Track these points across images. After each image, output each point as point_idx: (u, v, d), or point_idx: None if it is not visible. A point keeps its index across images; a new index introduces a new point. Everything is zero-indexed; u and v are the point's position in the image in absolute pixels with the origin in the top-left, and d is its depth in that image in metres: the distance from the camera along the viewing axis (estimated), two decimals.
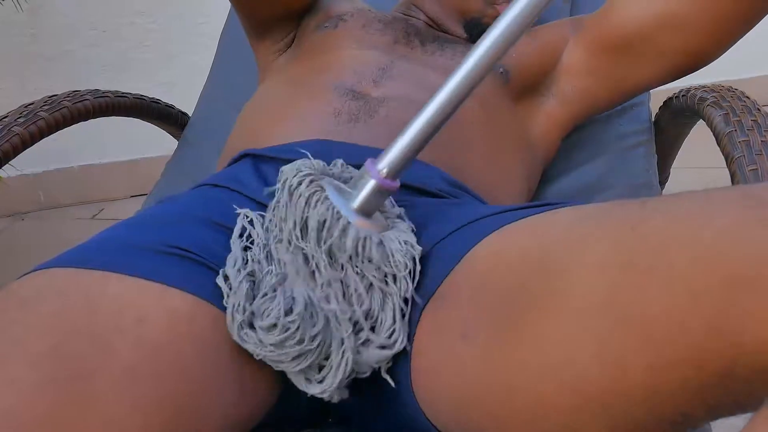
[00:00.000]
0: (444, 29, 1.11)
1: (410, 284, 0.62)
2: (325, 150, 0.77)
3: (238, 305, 0.61)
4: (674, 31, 0.95)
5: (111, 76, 2.28)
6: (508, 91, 1.04)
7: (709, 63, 0.99)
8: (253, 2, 1.06)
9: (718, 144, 0.83)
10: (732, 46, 0.97)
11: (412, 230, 0.68)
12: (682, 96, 1.03)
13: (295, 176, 0.63)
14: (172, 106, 1.32)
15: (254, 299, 0.62)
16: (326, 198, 0.61)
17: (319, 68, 0.98)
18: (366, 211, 0.63)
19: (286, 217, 0.62)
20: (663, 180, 1.34)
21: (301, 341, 0.59)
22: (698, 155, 1.45)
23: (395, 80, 0.94)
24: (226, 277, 0.64)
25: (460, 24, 1.10)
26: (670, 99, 1.13)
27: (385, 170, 0.62)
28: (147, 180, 1.44)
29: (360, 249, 0.61)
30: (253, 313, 0.61)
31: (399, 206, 0.71)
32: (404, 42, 1.03)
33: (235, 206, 0.71)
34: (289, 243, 0.62)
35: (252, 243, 0.67)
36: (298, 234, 0.61)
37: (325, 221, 0.60)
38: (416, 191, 0.80)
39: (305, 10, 1.10)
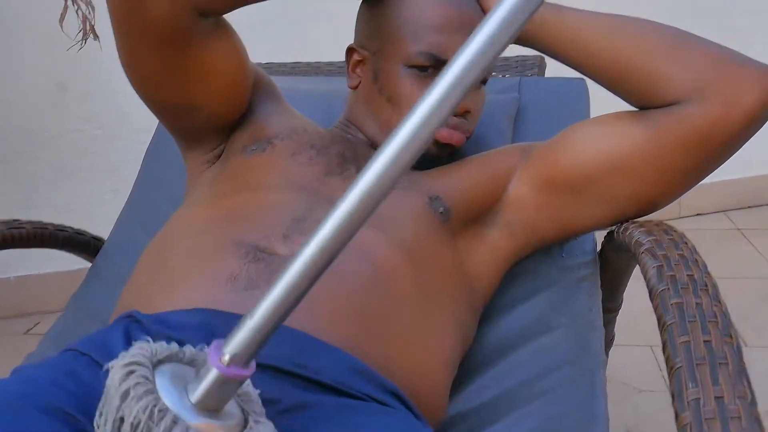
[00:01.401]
0: None
1: None
2: (209, 322, 0.70)
3: None
4: (622, 179, 0.93)
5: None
6: (448, 231, 0.97)
7: (658, 209, 0.97)
8: (176, 117, 1.01)
9: (651, 301, 0.75)
10: (682, 195, 0.95)
11: None
12: (621, 232, 0.95)
13: (121, 365, 0.53)
14: (82, 233, 1.23)
15: None
16: (150, 392, 0.51)
17: (228, 213, 0.89)
18: (209, 406, 0.52)
19: (105, 414, 0.52)
20: (615, 308, 1.26)
21: None
22: None
23: (309, 235, 0.85)
24: None
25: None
26: (611, 233, 1.05)
27: (227, 356, 0.51)
28: None
29: None
30: None
31: (274, 400, 0.60)
32: (338, 172, 0.97)
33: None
34: None
35: None
36: None
37: (139, 422, 0.49)
38: (309, 382, 0.70)
39: (236, 124, 1.03)
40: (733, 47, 0.89)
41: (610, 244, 1.09)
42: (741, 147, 0.89)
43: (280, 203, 0.89)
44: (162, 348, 0.56)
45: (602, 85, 0.96)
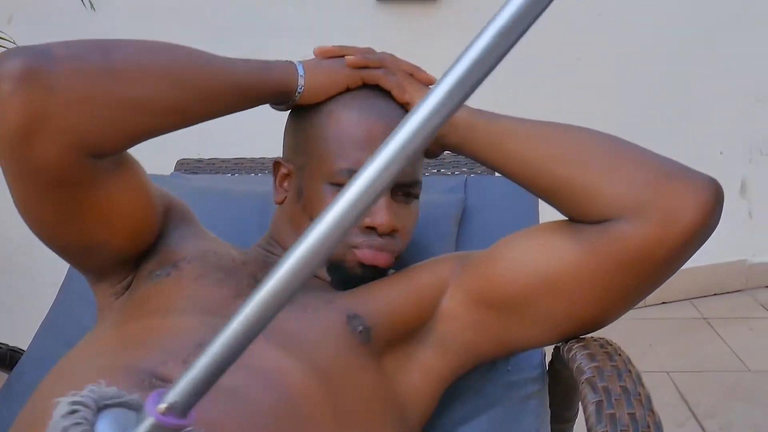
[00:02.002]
0: None
1: None
2: None
3: None
4: (557, 299, 0.87)
5: None
6: (369, 351, 0.90)
7: (601, 327, 0.90)
8: (79, 257, 0.94)
9: None
10: (622, 314, 0.89)
11: None
12: (565, 351, 0.89)
13: (66, 403, 0.54)
14: None
15: None
16: None
17: (125, 339, 0.84)
18: None
19: None
20: (570, 417, 1.19)
21: None
22: None
23: None
24: None
25: (323, 266, 0.97)
26: (558, 347, 0.98)
27: (164, 405, 0.50)
28: None
29: None
30: None
31: None
32: (247, 294, 0.89)
33: None
34: None
35: None
36: None
37: None
38: None
39: (144, 254, 0.96)
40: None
41: (558, 358, 1.02)
42: (682, 264, 0.83)
43: (182, 328, 0.83)
44: (111, 392, 0.57)
45: (535, 195, 0.92)
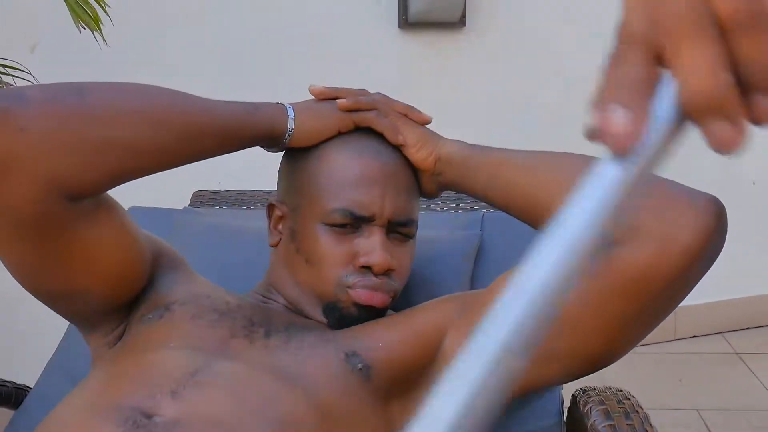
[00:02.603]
0: (304, 314, 0.96)
1: None
2: None
3: None
4: (559, 332, 0.80)
5: None
6: (372, 391, 0.87)
7: (608, 364, 0.85)
8: (67, 304, 0.92)
9: None
10: (630, 349, 0.83)
11: None
12: (581, 404, 0.85)
13: None
14: (3, 384, 1.13)
15: None
16: None
17: (112, 377, 0.82)
18: None
19: None
20: None
21: None
22: None
23: (203, 389, 0.77)
24: None
25: (319, 308, 0.95)
26: (575, 396, 0.94)
27: None
28: None
29: None
30: None
31: None
32: (243, 335, 0.88)
33: None
34: None
35: None
36: None
37: None
38: None
39: (135, 301, 0.94)
40: None
41: (575, 407, 0.98)
42: (686, 289, 0.78)
43: (173, 361, 0.81)
44: None
45: (534, 226, 0.89)
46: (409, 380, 0.90)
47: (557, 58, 2.50)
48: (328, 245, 0.92)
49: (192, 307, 0.91)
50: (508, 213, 0.92)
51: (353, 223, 0.92)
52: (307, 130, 0.94)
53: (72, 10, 1.30)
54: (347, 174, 0.93)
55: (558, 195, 0.81)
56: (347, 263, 0.92)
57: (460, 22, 2.40)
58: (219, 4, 2.29)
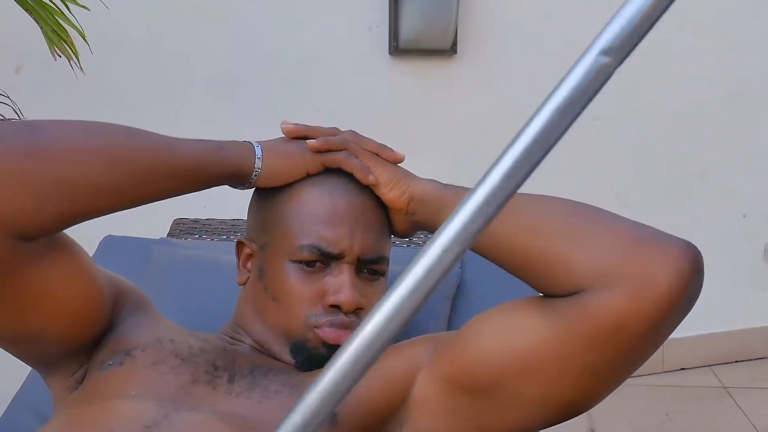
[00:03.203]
0: (271, 354, 0.94)
1: None
2: None
3: None
4: (531, 381, 0.80)
5: None
6: None
7: (580, 413, 0.83)
8: (22, 347, 0.89)
9: None
10: (605, 395, 0.81)
11: None
12: None
13: None
14: None
15: None
16: None
17: (75, 429, 0.79)
18: None
19: None
20: None
21: None
22: None
23: None
24: None
25: (286, 348, 0.94)
26: None
27: None
28: None
29: None
30: None
31: None
32: (206, 380, 0.87)
33: None
34: None
35: None
36: None
37: None
38: None
39: (95, 344, 0.91)
40: None
41: None
42: (662, 338, 0.76)
43: (129, 410, 0.79)
44: None
45: (507, 270, 0.86)
46: (376, 425, 0.88)
47: (549, 87, 2.49)
48: (296, 283, 0.91)
49: (153, 353, 0.89)
50: (481, 255, 0.89)
51: (322, 261, 0.91)
52: (275, 171, 0.93)
53: (47, 37, 1.28)
54: (316, 211, 0.92)
55: (532, 241, 0.81)
56: (315, 302, 0.91)
57: (451, 50, 2.39)
58: (209, 28, 2.28)
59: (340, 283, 0.91)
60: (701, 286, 0.74)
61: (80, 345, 0.90)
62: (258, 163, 0.92)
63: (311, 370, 0.91)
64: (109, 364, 0.88)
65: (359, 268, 0.93)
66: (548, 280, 0.80)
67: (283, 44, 2.32)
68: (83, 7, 1.35)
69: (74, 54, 1.33)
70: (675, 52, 2.50)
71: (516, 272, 0.84)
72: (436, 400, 0.87)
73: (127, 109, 2.01)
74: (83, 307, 0.88)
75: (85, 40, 1.38)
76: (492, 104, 2.47)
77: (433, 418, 0.87)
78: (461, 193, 0.91)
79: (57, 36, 1.27)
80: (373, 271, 0.95)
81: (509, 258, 0.84)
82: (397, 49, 2.34)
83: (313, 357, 0.91)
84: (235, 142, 0.93)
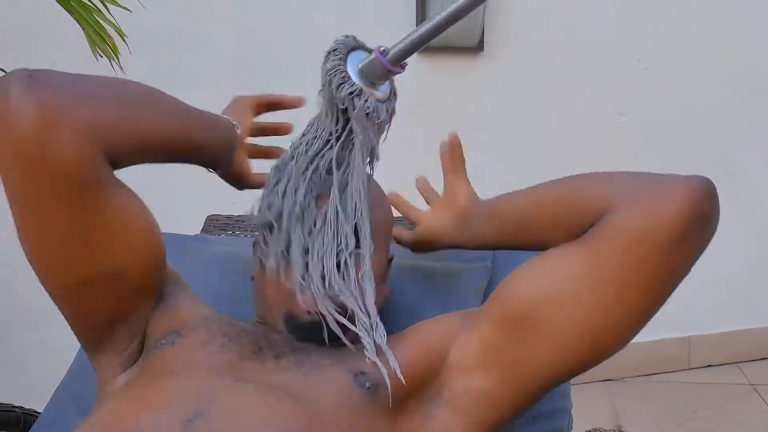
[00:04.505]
0: (275, 330, 0.97)
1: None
2: None
3: None
4: (569, 310, 0.84)
5: None
6: (380, 407, 0.87)
7: (614, 349, 0.85)
8: (91, 298, 0.90)
9: None
10: (634, 330, 0.84)
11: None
12: None
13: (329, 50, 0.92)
14: (11, 409, 1.14)
15: None
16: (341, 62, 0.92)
17: (127, 409, 0.81)
18: (370, 79, 0.91)
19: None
20: None
21: None
22: None
23: (217, 421, 0.77)
24: None
25: (280, 322, 0.96)
26: None
27: (382, 48, 0.89)
28: None
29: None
30: None
31: None
32: (253, 357, 0.89)
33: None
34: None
35: None
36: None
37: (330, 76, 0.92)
38: None
39: (155, 300, 0.96)
40: None
41: None
42: (689, 258, 0.80)
43: (182, 390, 0.82)
44: (355, 41, 0.94)
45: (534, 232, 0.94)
46: (417, 396, 0.91)
47: (576, 82, 2.50)
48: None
49: (203, 332, 0.92)
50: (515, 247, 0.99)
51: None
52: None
53: (90, 39, 1.32)
54: None
55: (564, 194, 0.90)
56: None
57: (478, 47, 2.41)
58: (239, 26, 2.31)
59: None
60: (718, 212, 0.81)
61: (150, 292, 0.95)
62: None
63: (308, 340, 0.93)
64: (162, 344, 0.91)
65: None
66: (578, 219, 0.86)
67: (312, 43, 2.33)
68: (125, 8, 1.39)
69: (115, 54, 1.37)
70: (699, 47, 2.50)
71: (545, 231, 0.91)
72: (470, 357, 0.90)
73: None
74: (156, 247, 0.94)
75: (124, 40, 1.41)
76: (518, 101, 2.48)
77: (468, 379, 0.90)
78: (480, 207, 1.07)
79: (99, 37, 1.30)
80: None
81: (540, 216, 0.93)
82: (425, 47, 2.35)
83: (301, 325, 0.93)
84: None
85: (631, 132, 2.53)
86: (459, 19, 0.85)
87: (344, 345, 0.91)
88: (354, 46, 0.93)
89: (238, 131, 1.07)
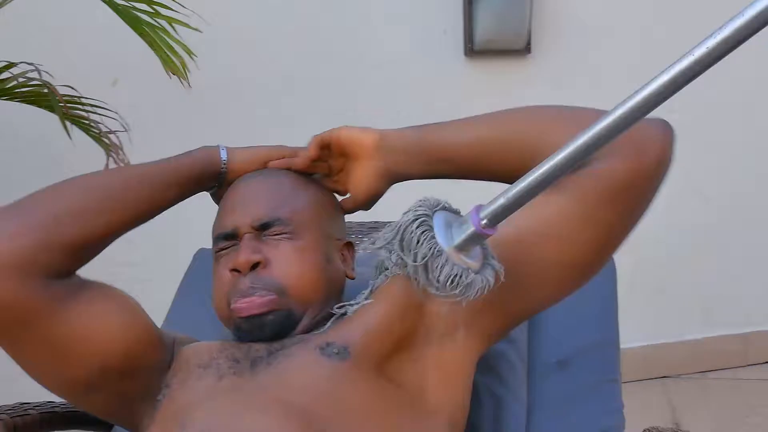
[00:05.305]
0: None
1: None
2: None
3: None
4: (553, 243, 0.92)
5: None
6: (354, 364, 0.90)
7: (593, 273, 0.95)
8: (95, 393, 0.93)
9: None
10: (610, 255, 0.95)
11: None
12: None
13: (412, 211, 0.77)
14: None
15: None
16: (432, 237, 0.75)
17: None
18: (462, 248, 0.76)
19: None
20: None
21: None
22: None
23: None
24: None
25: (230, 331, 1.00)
26: None
27: (484, 221, 0.73)
28: None
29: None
30: None
31: None
32: (230, 373, 0.91)
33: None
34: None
35: None
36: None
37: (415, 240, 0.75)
38: None
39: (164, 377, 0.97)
40: None
41: None
42: (654, 196, 0.91)
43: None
44: (440, 201, 0.79)
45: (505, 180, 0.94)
46: (402, 345, 0.92)
47: (622, 84, 2.50)
48: (216, 270, 0.99)
49: (182, 374, 0.94)
50: (480, 176, 0.99)
51: (227, 246, 0.98)
52: (240, 161, 1.05)
53: (162, 59, 1.38)
54: (223, 203, 1.03)
55: (530, 140, 0.93)
56: (229, 281, 0.96)
57: (525, 50, 2.43)
58: (291, 38, 2.35)
59: (237, 250, 0.96)
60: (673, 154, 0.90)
61: (153, 366, 0.95)
62: (224, 155, 1.04)
63: (257, 340, 0.95)
64: (158, 399, 0.93)
65: (260, 236, 0.97)
66: (526, 160, 0.87)
67: (362, 50, 2.38)
68: (195, 29, 1.44)
69: (184, 70, 1.43)
70: (749, 43, 2.47)
71: (485, 174, 0.97)
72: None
73: (220, 119, 2.11)
74: (137, 331, 0.93)
75: (192, 58, 1.47)
76: (566, 102, 2.48)
77: (453, 316, 0.93)
78: (437, 125, 1.01)
79: (170, 57, 1.36)
80: (275, 233, 0.97)
81: (514, 162, 0.93)
82: (472, 50, 2.38)
83: (243, 333, 0.96)
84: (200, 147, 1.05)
85: (683, 127, 2.51)
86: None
87: (313, 329, 0.95)
88: (438, 206, 0.79)
89: (224, 156, 1.04)
